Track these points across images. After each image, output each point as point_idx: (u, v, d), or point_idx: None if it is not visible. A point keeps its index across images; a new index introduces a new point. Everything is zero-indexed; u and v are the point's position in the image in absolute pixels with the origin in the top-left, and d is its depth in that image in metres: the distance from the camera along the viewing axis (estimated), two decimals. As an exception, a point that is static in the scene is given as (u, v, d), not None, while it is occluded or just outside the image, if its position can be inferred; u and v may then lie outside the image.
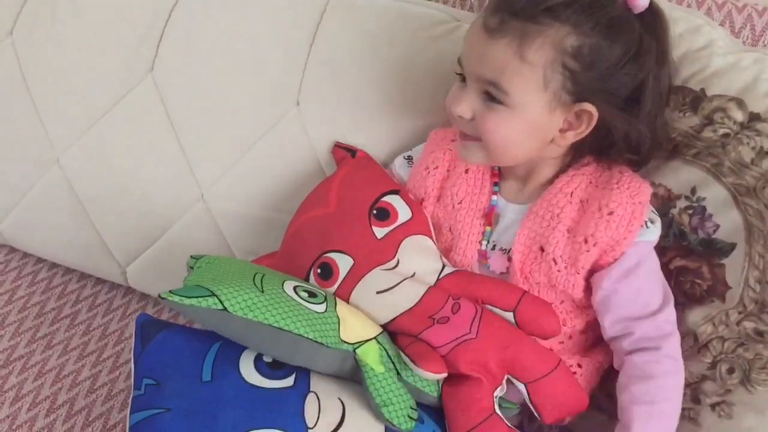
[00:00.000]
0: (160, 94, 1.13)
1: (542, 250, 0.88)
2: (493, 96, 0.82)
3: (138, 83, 1.14)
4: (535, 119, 0.83)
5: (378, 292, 0.88)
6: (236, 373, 0.80)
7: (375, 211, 0.93)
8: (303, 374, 0.82)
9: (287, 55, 1.09)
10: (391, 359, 0.83)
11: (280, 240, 1.02)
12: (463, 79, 0.86)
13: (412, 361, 0.82)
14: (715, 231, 0.92)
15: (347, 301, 0.89)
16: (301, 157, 1.08)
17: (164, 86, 1.13)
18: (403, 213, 0.94)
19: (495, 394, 0.84)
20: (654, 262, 0.90)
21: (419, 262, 0.91)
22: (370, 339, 0.84)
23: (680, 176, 0.93)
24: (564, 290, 0.88)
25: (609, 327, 0.88)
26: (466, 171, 0.94)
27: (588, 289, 0.89)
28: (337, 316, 0.83)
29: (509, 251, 0.91)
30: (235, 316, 0.76)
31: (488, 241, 0.92)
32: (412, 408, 0.81)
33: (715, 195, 0.91)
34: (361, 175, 0.99)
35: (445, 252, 0.94)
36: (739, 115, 0.90)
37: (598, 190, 0.88)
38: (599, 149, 0.88)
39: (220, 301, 0.75)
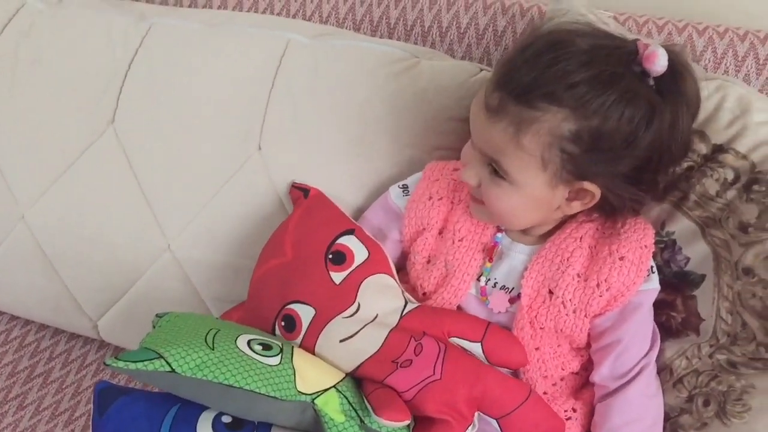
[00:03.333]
0: (122, 145, 1.12)
1: (551, 293, 0.88)
2: (496, 170, 0.82)
3: (100, 136, 1.13)
4: (537, 194, 0.82)
5: (341, 341, 0.87)
6: (193, 437, 0.78)
7: (331, 256, 0.92)
8: (264, 431, 0.80)
9: (247, 100, 1.08)
10: (353, 407, 0.82)
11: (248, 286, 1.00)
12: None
13: (373, 409, 0.81)
14: (686, 263, 0.92)
15: (312, 351, 0.88)
16: (265, 201, 1.07)
17: (126, 137, 1.12)
18: (360, 253, 0.93)
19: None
20: (651, 309, 0.90)
21: (380, 302, 0.90)
22: (329, 388, 0.82)
23: (650, 213, 0.93)
24: (570, 335, 0.88)
25: (603, 376, 0.88)
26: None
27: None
28: (293, 368, 0.81)
29: (510, 291, 0.91)
30: (185, 377, 0.75)
31: (487, 278, 0.91)
32: (375, 457, 0.79)
33: (683, 228, 0.91)
34: (314, 217, 0.97)
35: (437, 287, 0.93)
36: (702, 148, 0.89)
37: (606, 236, 0.88)
38: (609, 209, 0.86)
39: (168, 363, 0.74)
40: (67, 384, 1.17)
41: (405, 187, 0.99)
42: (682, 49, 0.81)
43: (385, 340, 0.86)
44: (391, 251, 0.96)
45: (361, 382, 0.86)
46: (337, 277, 0.91)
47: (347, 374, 0.86)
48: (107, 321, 1.18)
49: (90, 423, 1.08)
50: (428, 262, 0.94)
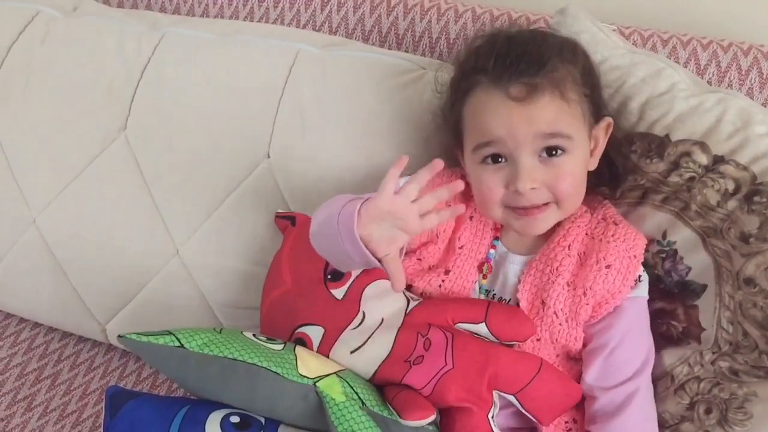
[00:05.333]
0: (133, 152, 1.14)
1: (543, 303, 0.89)
2: (552, 149, 0.85)
3: (111, 142, 1.15)
4: (585, 152, 0.89)
5: (352, 352, 0.88)
6: (202, 437, 0.80)
7: (329, 276, 0.93)
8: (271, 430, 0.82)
9: (257, 109, 1.10)
10: (354, 391, 0.83)
11: (256, 292, 1.02)
12: (495, 160, 0.87)
13: (398, 414, 0.82)
14: (687, 273, 0.92)
15: None
16: (273, 208, 1.09)
17: (137, 144, 1.14)
18: None
19: (489, 415, 0.84)
20: (646, 318, 0.91)
21: (384, 307, 0.91)
22: (330, 374, 0.84)
23: (651, 222, 0.94)
24: (565, 344, 0.89)
25: (591, 381, 0.88)
26: (471, 218, 0.94)
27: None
28: (295, 355, 0.84)
29: (509, 303, 0.92)
30: (192, 352, 0.77)
31: (483, 293, 0.93)
32: (376, 436, 0.81)
33: (684, 238, 0.92)
34: (305, 244, 0.95)
35: (436, 292, 0.94)
36: (703, 159, 0.90)
37: (595, 242, 0.90)
38: (607, 167, 0.93)
39: (177, 339, 0.78)
40: (75, 386, 1.18)
41: None
42: None
43: (394, 342, 0.87)
44: None
45: (382, 390, 0.87)
46: (339, 293, 0.92)
47: (369, 382, 0.88)
48: (115, 325, 1.20)
49: (97, 425, 1.11)
50: (430, 268, 0.95)
